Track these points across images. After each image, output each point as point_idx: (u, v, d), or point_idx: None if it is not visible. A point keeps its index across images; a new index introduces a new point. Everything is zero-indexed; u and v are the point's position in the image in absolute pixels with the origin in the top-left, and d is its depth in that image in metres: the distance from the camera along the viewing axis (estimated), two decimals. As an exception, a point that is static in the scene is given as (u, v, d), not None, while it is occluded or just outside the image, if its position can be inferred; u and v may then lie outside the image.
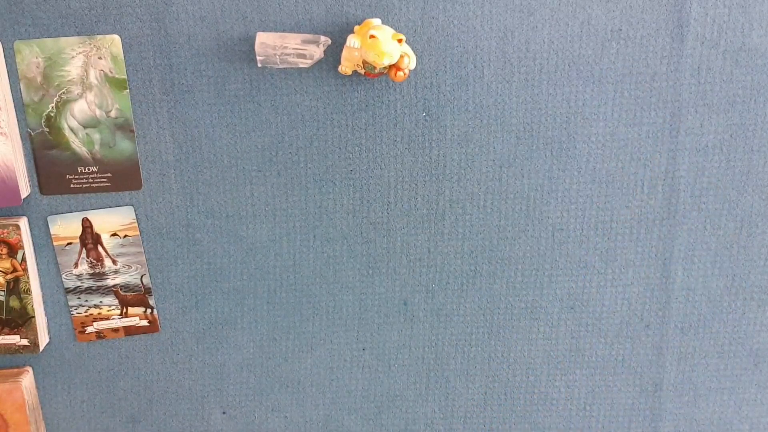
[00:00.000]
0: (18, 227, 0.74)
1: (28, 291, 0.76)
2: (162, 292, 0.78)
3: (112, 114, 0.73)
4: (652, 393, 0.82)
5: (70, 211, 0.76)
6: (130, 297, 0.78)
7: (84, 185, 0.75)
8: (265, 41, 0.70)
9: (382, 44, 0.66)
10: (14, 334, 0.76)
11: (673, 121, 0.75)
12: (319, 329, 0.80)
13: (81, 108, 0.73)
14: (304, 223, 0.77)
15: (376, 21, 0.70)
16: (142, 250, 0.77)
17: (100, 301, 0.78)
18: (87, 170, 0.74)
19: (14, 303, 0.76)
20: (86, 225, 0.76)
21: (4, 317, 0.76)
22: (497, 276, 0.79)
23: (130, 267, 0.77)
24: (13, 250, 0.74)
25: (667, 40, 0.73)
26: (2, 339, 0.76)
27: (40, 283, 0.77)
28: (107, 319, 0.79)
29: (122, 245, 0.77)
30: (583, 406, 0.83)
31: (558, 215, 0.77)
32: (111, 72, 0.72)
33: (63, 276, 0.77)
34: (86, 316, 0.78)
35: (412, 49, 0.71)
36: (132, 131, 0.74)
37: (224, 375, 0.81)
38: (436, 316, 0.80)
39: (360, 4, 0.71)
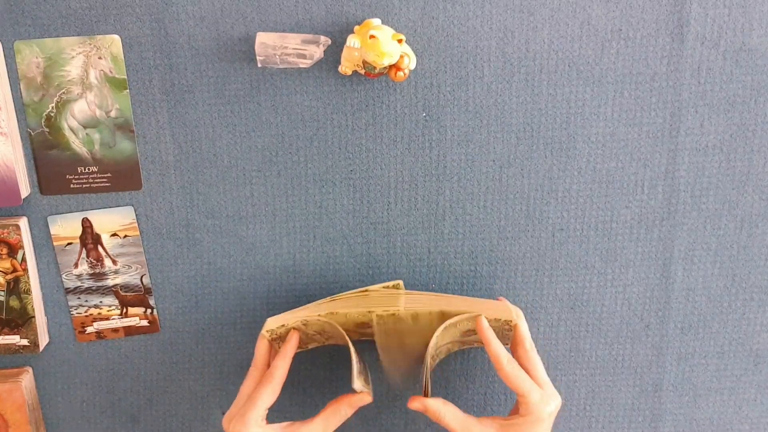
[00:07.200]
0: (18, 227, 0.74)
1: (28, 291, 0.76)
2: (162, 292, 0.78)
3: (112, 114, 0.73)
4: (652, 393, 0.82)
5: (70, 211, 0.76)
6: (130, 297, 0.78)
7: (84, 185, 0.75)
8: (265, 41, 0.70)
9: (382, 44, 0.66)
10: (14, 334, 0.76)
11: (673, 121, 0.75)
12: (319, 329, 0.80)
13: (81, 108, 0.73)
14: (304, 223, 0.77)
15: (376, 21, 0.70)
16: (142, 250, 0.77)
17: (100, 301, 0.78)
18: (87, 170, 0.74)
19: (14, 303, 0.76)
20: (86, 225, 0.76)
21: (4, 317, 0.76)
22: (497, 276, 0.79)
23: (130, 267, 0.77)
24: (13, 250, 0.74)
25: (667, 40, 0.73)
26: (2, 339, 0.76)
27: (40, 283, 0.77)
28: (107, 319, 0.79)
29: (122, 245, 0.77)
30: (583, 406, 0.83)
31: (558, 215, 0.77)
32: (111, 72, 0.72)
33: (63, 276, 0.77)
34: (86, 316, 0.78)
35: (412, 49, 0.71)
36: (132, 131, 0.74)
37: (224, 375, 0.81)
38: (436, 316, 0.80)
39: (360, 4, 0.71)
